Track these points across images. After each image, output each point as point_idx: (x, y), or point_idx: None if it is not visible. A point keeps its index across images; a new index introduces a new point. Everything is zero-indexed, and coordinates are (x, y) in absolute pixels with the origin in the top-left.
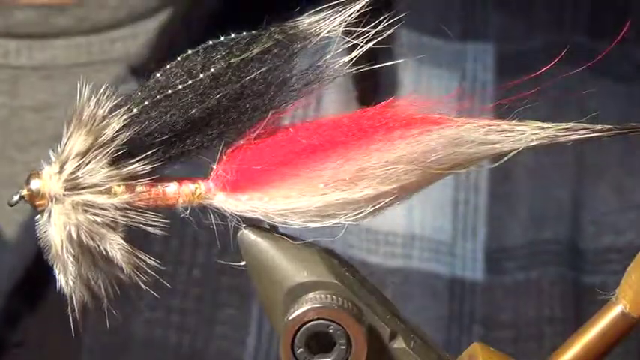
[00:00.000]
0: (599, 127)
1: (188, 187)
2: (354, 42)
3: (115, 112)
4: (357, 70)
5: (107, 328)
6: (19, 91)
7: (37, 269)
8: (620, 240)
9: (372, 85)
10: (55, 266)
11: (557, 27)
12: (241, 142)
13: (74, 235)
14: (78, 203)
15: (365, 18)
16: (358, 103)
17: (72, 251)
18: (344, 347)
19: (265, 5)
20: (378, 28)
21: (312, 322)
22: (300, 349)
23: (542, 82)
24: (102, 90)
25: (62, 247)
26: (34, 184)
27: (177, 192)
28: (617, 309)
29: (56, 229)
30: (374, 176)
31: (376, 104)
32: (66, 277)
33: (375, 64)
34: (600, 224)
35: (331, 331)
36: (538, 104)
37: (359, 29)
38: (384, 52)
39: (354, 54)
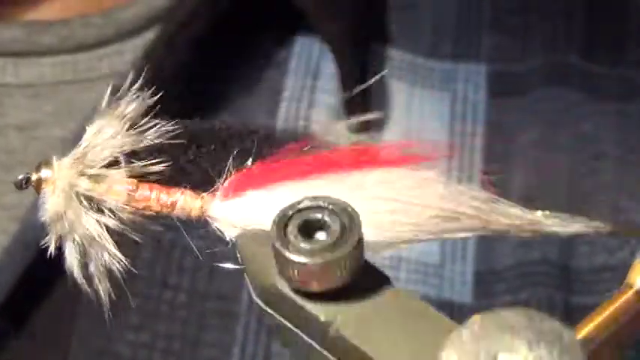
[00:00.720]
0: (596, 223)
1: (190, 195)
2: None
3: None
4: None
5: (93, 350)
6: (4, 110)
7: (23, 290)
8: (614, 259)
9: (362, 106)
10: (50, 238)
11: (550, 48)
12: (247, 166)
13: (75, 199)
14: (82, 168)
15: None
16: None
17: (71, 220)
18: (337, 230)
19: (252, 27)
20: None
21: (305, 209)
22: (293, 235)
23: (536, 103)
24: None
25: (62, 214)
26: (44, 173)
27: (178, 197)
28: (631, 292)
29: (56, 198)
30: (372, 186)
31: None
32: (56, 241)
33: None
34: (593, 243)
35: (327, 219)
36: (532, 126)
37: None
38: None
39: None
